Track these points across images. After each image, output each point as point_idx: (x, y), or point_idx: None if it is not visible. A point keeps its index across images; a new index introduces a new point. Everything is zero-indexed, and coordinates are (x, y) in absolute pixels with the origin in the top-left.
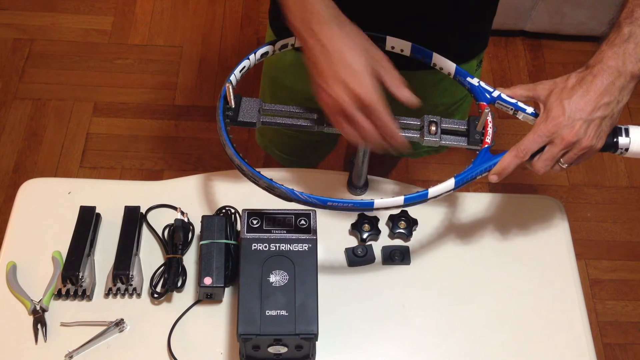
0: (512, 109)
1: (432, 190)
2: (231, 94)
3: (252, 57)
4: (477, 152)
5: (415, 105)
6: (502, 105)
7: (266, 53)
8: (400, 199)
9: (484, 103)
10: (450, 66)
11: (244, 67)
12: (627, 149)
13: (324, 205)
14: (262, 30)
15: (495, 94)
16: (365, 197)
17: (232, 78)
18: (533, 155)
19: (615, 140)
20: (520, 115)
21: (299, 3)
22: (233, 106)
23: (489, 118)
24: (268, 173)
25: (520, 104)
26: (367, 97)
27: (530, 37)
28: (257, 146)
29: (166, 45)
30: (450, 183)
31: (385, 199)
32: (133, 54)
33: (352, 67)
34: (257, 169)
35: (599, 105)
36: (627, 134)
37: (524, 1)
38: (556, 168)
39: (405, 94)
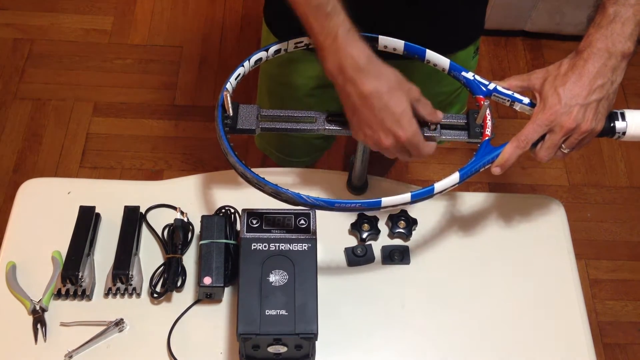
0: (508, 101)
1: (438, 185)
2: (229, 102)
3: (246, 64)
4: (479, 145)
5: (440, 120)
6: (498, 97)
7: (260, 59)
8: (407, 196)
9: (481, 96)
10: (444, 62)
11: (239, 74)
12: (624, 133)
13: (332, 207)
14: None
15: (491, 86)
16: (366, 197)
17: (228, 86)
18: (535, 144)
19: (612, 124)
20: (517, 106)
21: (333, 47)
22: (231, 114)
23: (488, 111)
24: (269, 176)
25: (517, 95)
26: (409, 140)
27: (530, 37)
28: (256, 147)
29: (166, 45)
30: (455, 177)
31: (392, 197)
32: (133, 54)
33: (394, 113)
34: (256, 170)
35: (593, 89)
36: (623, 118)
37: (524, 1)
38: (558, 154)
39: (438, 117)
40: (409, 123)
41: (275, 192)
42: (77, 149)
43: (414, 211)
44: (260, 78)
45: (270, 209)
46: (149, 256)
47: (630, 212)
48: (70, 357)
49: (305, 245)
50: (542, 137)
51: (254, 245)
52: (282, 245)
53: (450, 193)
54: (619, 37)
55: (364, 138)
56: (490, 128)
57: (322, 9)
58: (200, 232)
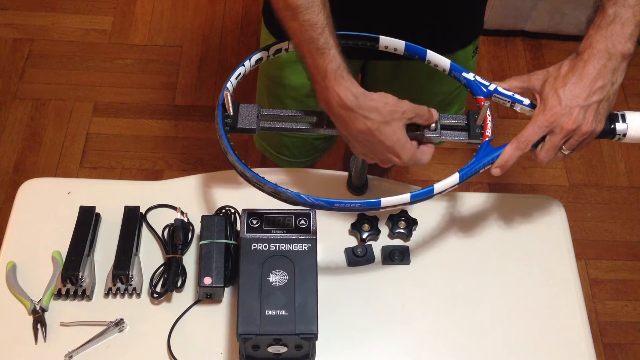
0: (509, 102)
1: (438, 186)
2: (229, 101)
3: (247, 63)
4: (479, 146)
5: (436, 118)
6: (498, 98)
7: (260, 59)
8: (406, 196)
9: (481, 97)
10: (444, 63)
11: (240, 73)
12: (624, 135)
13: (331, 206)
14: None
15: (492, 87)
16: (366, 197)
17: (229, 85)
18: (535, 145)
19: (612, 126)
20: (518, 107)
21: (322, 85)
22: (231, 113)
23: (488, 111)
24: (269, 175)
25: (517, 96)
26: (406, 163)
27: (530, 37)
28: (256, 146)
29: (166, 45)
30: (454, 178)
31: (392, 197)
32: (133, 54)
33: (388, 146)
34: (255, 169)
35: (593, 90)
36: (623, 120)
37: (524, 1)
38: (559, 156)
39: (435, 117)
40: (403, 150)
41: (275, 192)
42: (77, 149)
43: (414, 211)
44: (259, 79)
45: (270, 209)
46: (149, 256)
47: (630, 212)
48: (70, 357)
49: (305, 246)
50: (543, 139)
51: (254, 246)
52: (282, 246)
53: (450, 193)
54: (619, 38)
55: (363, 158)
56: (490, 129)
57: (314, 42)
58: (200, 232)
